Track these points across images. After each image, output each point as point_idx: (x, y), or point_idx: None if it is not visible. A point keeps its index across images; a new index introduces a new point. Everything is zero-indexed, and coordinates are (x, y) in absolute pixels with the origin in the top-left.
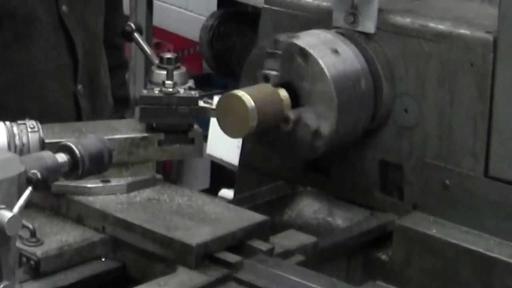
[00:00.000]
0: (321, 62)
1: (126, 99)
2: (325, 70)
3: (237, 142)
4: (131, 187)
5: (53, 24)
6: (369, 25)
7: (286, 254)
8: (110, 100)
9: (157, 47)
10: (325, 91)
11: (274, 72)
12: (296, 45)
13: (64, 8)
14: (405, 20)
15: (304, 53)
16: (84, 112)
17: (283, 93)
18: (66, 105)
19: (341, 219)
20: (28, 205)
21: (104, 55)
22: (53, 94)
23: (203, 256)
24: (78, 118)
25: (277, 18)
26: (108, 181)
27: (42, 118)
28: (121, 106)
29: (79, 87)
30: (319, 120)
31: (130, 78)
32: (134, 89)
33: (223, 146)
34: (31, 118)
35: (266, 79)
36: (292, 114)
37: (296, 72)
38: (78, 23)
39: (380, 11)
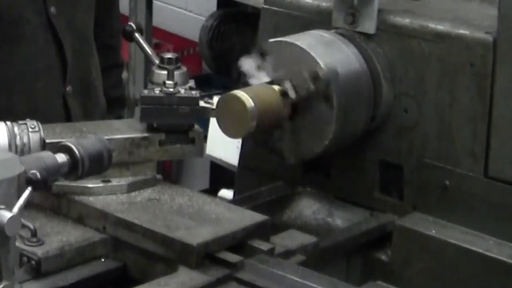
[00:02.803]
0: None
1: (122, 100)
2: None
3: (237, 142)
4: (132, 187)
5: (41, 26)
6: (368, 26)
7: (287, 254)
8: (102, 101)
9: (156, 48)
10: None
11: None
12: (322, 84)
13: (52, 9)
14: (405, 21)
15: (329, 99)
16: (73, 113)
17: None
18: (55, 106)
19: (340, 219)
20: (27, 205)
21: (95, 56)
22: (42, 95)
23: (204, 256)
24: (68, 119)
25: (277, 19)
26: (109, 181)
27: (31, 118)
28: (116, 106)
29: (68, 88)
30: (303, 142)
31: (129, 78)
32: (134, 89)
33: (223, 147)
34: (20, 118)
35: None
36: (286, 125)
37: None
38: (66, 24)
39: (379, 11)
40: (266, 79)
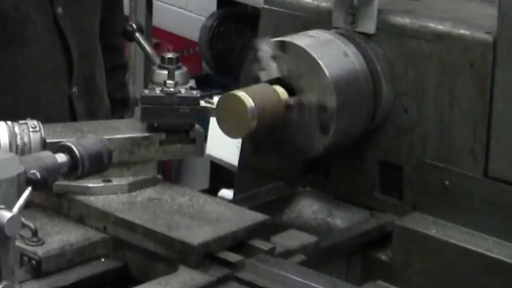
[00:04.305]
0: (303, 46)
1: (125, 101)
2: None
3: (237, 142)
4: (133, 187)
5: (48, 26)
6: (368, 26)
7: (287, 254)
8: (106, 102)
9: (156, 48)
10: (319, 77)
11: (262, 72)
12: (272, 41)
13: (59, 10)
14: (405, 21)
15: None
16: (79, 114)
17: (282, 93)
18: (61, 107)
19: (340, 219)
20: (27, 205)
21: (100, 56)
22: (47, 96)
23: (204, 256)
24: (73, 119)
25: (277, 19)
26: (110, 181)
27: (36, 119)
28: (119, 107)
29: (74, 89)
30: (320, 98)
31: (129, 78)
32: (134, 89)
33: (223, 146)
34: (24, 119)
35: (257, 80)
36: (292, 100)
37: (283, 64)
38: (73, 25)
39: (379, 11)
40: (274, 75)
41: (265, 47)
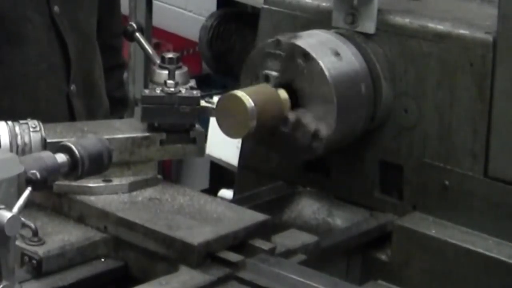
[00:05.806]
0: (321, 64)
1: (124, 100)
2: (326, 71)
3: (237, 142)
4: (133, 187)
5: (45, 25)
6: (368, 26)
7: (288, 253)
8: (105, 101)
9: (156, 47)
10: (325, 93)
11: (274, 73)
12: (297, 46)
13: (56, 8)
14: (405, 21)
15: (305, 55)
16: (77, 112)
17: (282, 93)
18: (59, 105)
19: (340, 219)
20: (28, 205)
21: (98, 55)
22: (46, 94)
23: (205, 256)
24: (72, 118)
25: (277, 18)
26: (110, 181)
27: (35, 118)
28: (118, 107)
29: (72, 87)
30: (318, 122)
31: (129, 78)
32: (134, 89)
33: (223, 146)
34: (23, 118)
35: (267, 79)
36: (291, 115)
37: (296, 73)
38: (70, 24)
39: (379, 11)
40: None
41: (285, 48)
